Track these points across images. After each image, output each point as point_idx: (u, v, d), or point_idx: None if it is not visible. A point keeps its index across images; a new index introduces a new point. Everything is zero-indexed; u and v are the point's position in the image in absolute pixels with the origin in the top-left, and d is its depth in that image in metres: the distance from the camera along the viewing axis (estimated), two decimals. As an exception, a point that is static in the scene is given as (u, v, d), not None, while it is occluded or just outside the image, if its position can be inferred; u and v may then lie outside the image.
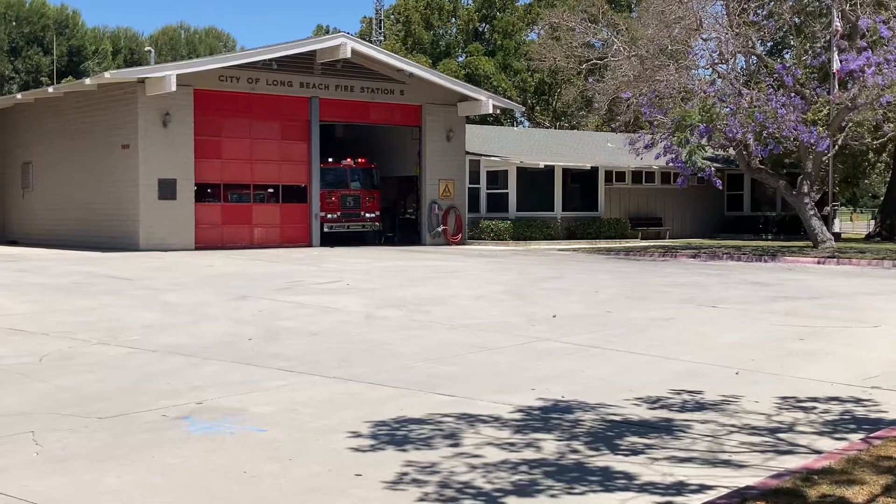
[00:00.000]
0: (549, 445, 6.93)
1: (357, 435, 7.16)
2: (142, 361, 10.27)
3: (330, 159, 32.64)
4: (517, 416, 7.84)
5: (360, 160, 33.64)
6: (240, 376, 9.45)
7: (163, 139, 28.73)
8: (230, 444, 6.96)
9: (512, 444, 6.95)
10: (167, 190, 28.78)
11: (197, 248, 28.92)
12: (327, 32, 71.36)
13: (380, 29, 74.12)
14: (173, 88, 27.67)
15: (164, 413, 7.81)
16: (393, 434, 7.20)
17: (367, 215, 33.39)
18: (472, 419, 7.66)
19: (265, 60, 30.53)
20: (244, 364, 10.09)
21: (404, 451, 6.75)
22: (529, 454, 6.73)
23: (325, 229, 32.29)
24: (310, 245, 31.66)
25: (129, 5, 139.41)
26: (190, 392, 8.63)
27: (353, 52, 31.26)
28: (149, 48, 71.83)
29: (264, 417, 7.72)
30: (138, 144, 28.55)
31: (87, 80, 30.51)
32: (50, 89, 32.93)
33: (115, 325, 12.89)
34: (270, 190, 31.93)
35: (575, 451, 6.80)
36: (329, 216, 32.40)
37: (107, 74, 30.21)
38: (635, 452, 6.79)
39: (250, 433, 7.26)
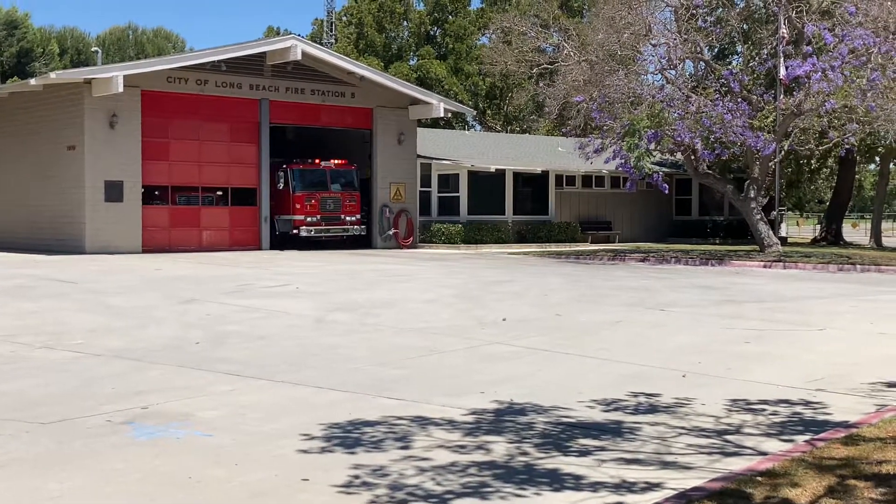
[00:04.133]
0: (500, 448, 6.93)
1: (305, 439, 7.10)
2: (86, 366, 10.10)
3: (309, 160, 32.15)
4: (468, 418, 7.83)
5: (340, 161, 33.07)
6: (186, 381, 9.34)
7: (110, 141, 28.36)
8: (175, 450, 6.87)
9: (462, 447, 6.93)
10: (114, 192, 28.41)
11: (144, 251, 28.58)
12: (278, 34, 70.89)
13: (331, 31, 73.81)
14: (120, 89, 27.34)
15: (109, 418, 7.69)
16: (342, 438, 7.14)
17: (349, 219, 32.67)
18: (423, 422, 7.63)
19: (214, 62, 30.29)
20: (191, 368, 9.97)
21: (354, 454, 6.71)
22: (479, 457, 6.71)
23: (304, 234, 31.58)
24: (259, 248, 31.41)
25: (76, 5, 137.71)
26: (135, 397, 8.50)
27: (304, 54, 31.11)
28: (95, 49, 70.86)
29: (211, 422, 7.62)
30: (84, 146, 28.17)
31: (33, 81, 30.05)
32: (-6, 89, 32.42)
33: (59, 328, 12.69)
34: (219, 192, 31.62)
35: (525, 454, 6.80)
36: (308, 220, 31.63)
37: (52, 75, 29.75)
38: (584, 454, 6.81)
39: (196, 438, 7.16)
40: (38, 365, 10.13)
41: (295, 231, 31.67)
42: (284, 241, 31.99)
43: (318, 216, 31.91)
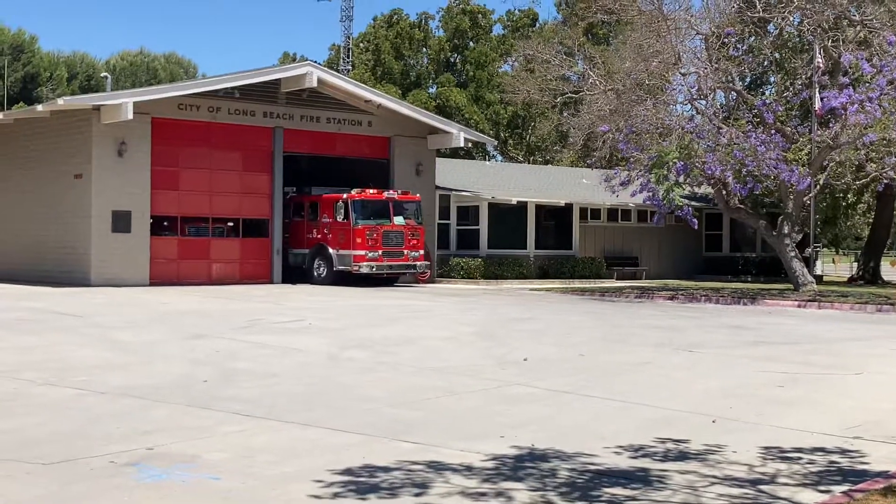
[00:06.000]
0: (521, 496, 6.74)
1: (317, 483, 6.91)
2: (90, 404, 9.91)
3: (371, 190, 31.11)
4: (487, 464, 7.60)
5: (404, 192, 32.13)
6: (193, 420, 9.15)
7: (118, 169, 28.10)
8: (181, 493, 6.72)
9: (482, 495, 6.74)
10: (121, 222, 28.08)
11: (152, 284, 28.22)
12: (294, 60, 70.97)
13: (348, 58, 73.98)
14: (130, 117, 27.15)
15: (113, 459, 7.52)
16: (356, 483, 6.94)
17: (412, 254, 31.37)
18: (439, 467, 7.43)
19: (227, 89, 30.16)
20: (198, 407, 9.78)
21: (367, 500, 6.53)
22: (500, 506, 6.53)
23: (365, 270, 30.34)
24: (271, 281, 31.06)
25: (87, 30, 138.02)
26: (140, 437, 8.33)
27: (320, 81, 30.97)
28: (105, 74, 70.82)
29: (218, 465, 7.45)
30: (92, 174, 27.90)
31: (40, 107, 29.93)
32: (0, 115, 32.22)
33: (63, 364, 12.54)
34: (230, 223, 31.29)
35: (548, 503, 6.62)
36: (369, 255, 30.31)
37: (60, 101, 29.55)
38: (610, 503, 6.62)
39: (203, 481, 7.00)
40: (40, 402, 9.94)
41: (356, 267, 30.32)
42: (344, 278, 30.65)
43: (380, 251, 30.65)
